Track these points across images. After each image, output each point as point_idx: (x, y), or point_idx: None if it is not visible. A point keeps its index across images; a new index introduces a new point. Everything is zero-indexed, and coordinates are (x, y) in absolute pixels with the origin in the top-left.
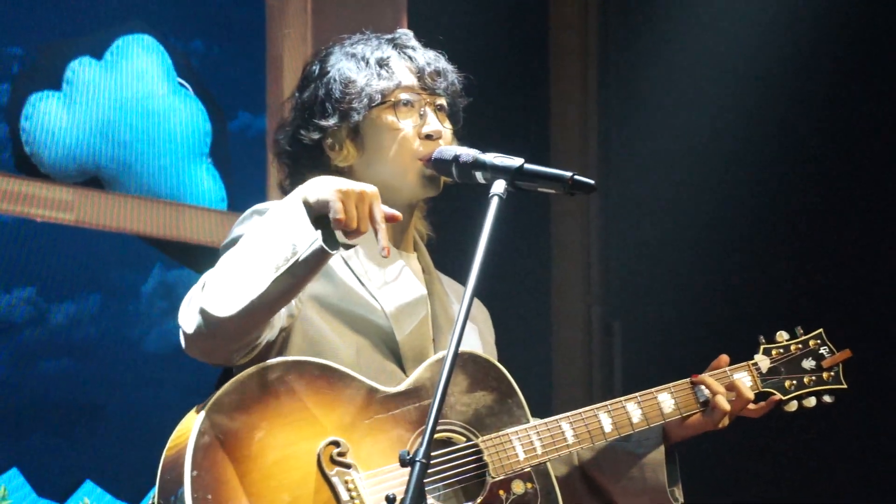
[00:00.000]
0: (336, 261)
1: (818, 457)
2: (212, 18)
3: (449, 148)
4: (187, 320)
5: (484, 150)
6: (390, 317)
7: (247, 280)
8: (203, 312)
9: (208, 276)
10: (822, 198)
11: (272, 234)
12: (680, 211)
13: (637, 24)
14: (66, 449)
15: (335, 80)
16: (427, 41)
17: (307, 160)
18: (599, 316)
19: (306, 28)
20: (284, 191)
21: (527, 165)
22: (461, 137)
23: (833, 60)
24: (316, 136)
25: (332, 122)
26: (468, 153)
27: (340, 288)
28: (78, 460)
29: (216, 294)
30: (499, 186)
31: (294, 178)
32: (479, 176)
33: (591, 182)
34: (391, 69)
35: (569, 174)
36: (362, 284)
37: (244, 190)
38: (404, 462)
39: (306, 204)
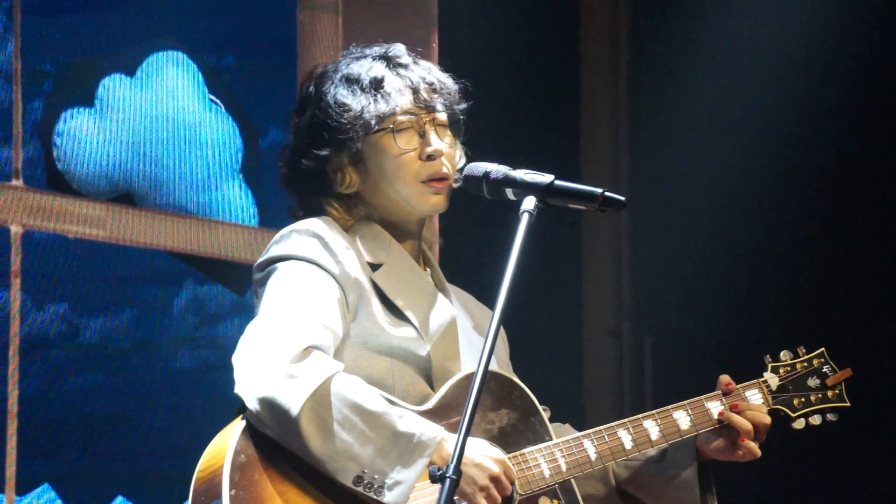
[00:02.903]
0: (371, 287)
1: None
2: (243, 35)
3: (479, 165)
4: (263, 389)
5: (514, 167)
6: (428, 341)
7: (325, 443)
8: (280, 412)
9: (313, 369)
10: (861, 212)
11: (388, 439)
12: (711, 226)
13: (668, 39)
14: (97, 464)
15: (331, 107)
16: (456, 57)
17: (311, 186)
18: (630, 331)
19: (337, 43)
20: (294, 214)
21: (557, 182)
22: (490, 151)
23: (868, 73)
24: (315, 164)
25: (329, 151)
26: (498, 170)
27: (377, 312)
28: (109, 475)
29: (307, 420)
30: (529, 203)
31: (303, 203)
32: (509, 192)
33: (622, 198)
34: (386, 91)
35: (599, 191)
36: (398, 309)
37: (275, 206)
38: (435, 478)
39: (433, 464)
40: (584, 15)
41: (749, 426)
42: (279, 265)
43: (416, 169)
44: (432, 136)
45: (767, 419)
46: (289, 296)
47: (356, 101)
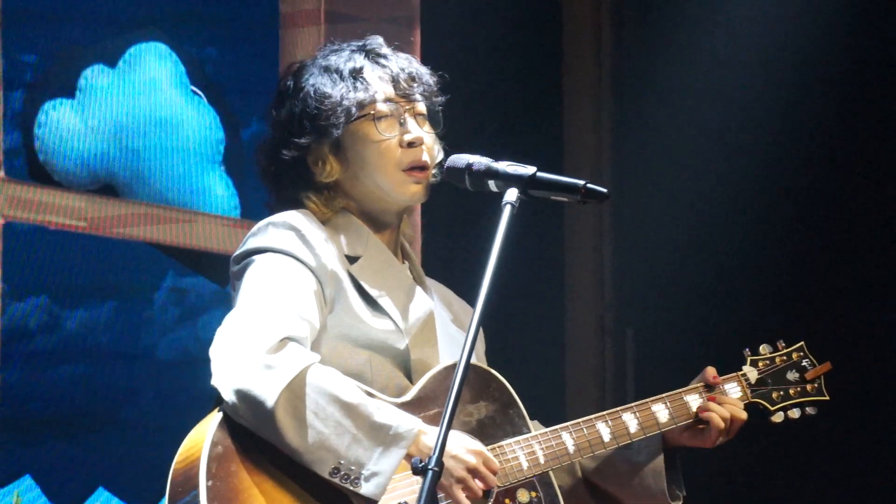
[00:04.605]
0: (348, 280)
1: (797, 465)
2: (225, 26)
3: (462, 156)
4: (239, 380)
5: (497, 158)
6: (406, 334)
7: (301, 434)
8: (255, 403)
9: (290, 361)
10: (844, 207)
11: (365, 430)
12: (693, 218)
13: (652, 31)
14: (78, 456)
15: (311, 97)
16: (438, 50)
17: (291, 177)
18: (612, 322)
19: (320, 35)
20: (272, 210)
21: (539, 174)
22: (472, 144)
23: (855, 71)
24: (296, 153)
25: (310, 139)
26: (481, 162)
27: (355, 305)
28: (90, 467)
29: (283, 411)
30: (511, 195)
31: (281, 196)
32: (491, 184)
33: (604, 190)
34: (366, 80)
35: (581, 183)
36: (376, 302)
37: (257, 197)
38: (416, 470)
39: (410, 456)
40: (567, 6)
41: (722, 423)
42: (256, 257)
43: (398, 156)
44: (411, 124)
45: (744, 415)
46: (265, 288)
47: (336, 90)
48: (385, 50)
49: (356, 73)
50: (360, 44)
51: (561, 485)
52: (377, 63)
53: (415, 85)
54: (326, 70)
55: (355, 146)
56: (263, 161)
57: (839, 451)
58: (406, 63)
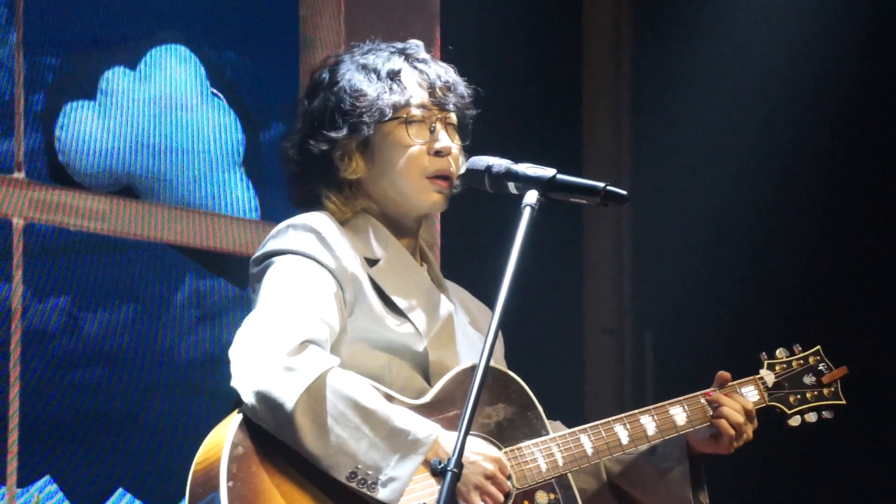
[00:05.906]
0: (368, 282)
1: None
2: (246, 29)
3: (481, 158)
4: (258, 382)
5: (516, 160)
6: (425, 336)
7: (320, 438)
8: (275, 406)
9: (310, 365)
10: (861, 211)
11: (383, 436)
12: (712, 222)
13: (671, 34)
14: (98, 457)
15: (346, 91)
16: (457, 52)
17: (315, 170)
18: (631, 327)
19: (339, 38)
20: (291, 201)
21: (559, 176)
22: (492, 145)
23: (869, 76)
24: (324, 146)
25: (341, 134)
26: (501, 163)
27: (375, 308)
28: (110, 469)
29: (302, 414)
30: (531, 197)
31: (301, 188)
32: (511, 186)
33: (624, 193)
34: (402, 83)
35: (601, 185)
36: (396, 305)
37: (277, 199)
38: (436, 471)
39: (428, 461)
40: (586, 8)
41: (732, 430)
42: (276, 259)
43: (424, 164)
44: (442, 134)
45: (749, 405)
46: (285, 290)
47: (372, 88)
48: (424, 55)
49: (394, 75)
50: (401, 46)
51: (586, 487)
52: (415, 68)
53: (450, 94)
54: (364, 68)
55: (383, 147)
56: (290, 150)
57: (857, 454)
58: (443, 72)
